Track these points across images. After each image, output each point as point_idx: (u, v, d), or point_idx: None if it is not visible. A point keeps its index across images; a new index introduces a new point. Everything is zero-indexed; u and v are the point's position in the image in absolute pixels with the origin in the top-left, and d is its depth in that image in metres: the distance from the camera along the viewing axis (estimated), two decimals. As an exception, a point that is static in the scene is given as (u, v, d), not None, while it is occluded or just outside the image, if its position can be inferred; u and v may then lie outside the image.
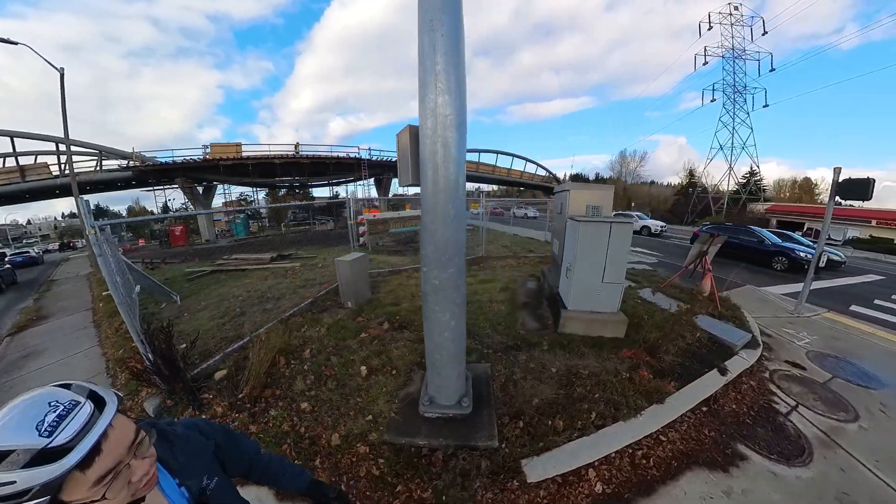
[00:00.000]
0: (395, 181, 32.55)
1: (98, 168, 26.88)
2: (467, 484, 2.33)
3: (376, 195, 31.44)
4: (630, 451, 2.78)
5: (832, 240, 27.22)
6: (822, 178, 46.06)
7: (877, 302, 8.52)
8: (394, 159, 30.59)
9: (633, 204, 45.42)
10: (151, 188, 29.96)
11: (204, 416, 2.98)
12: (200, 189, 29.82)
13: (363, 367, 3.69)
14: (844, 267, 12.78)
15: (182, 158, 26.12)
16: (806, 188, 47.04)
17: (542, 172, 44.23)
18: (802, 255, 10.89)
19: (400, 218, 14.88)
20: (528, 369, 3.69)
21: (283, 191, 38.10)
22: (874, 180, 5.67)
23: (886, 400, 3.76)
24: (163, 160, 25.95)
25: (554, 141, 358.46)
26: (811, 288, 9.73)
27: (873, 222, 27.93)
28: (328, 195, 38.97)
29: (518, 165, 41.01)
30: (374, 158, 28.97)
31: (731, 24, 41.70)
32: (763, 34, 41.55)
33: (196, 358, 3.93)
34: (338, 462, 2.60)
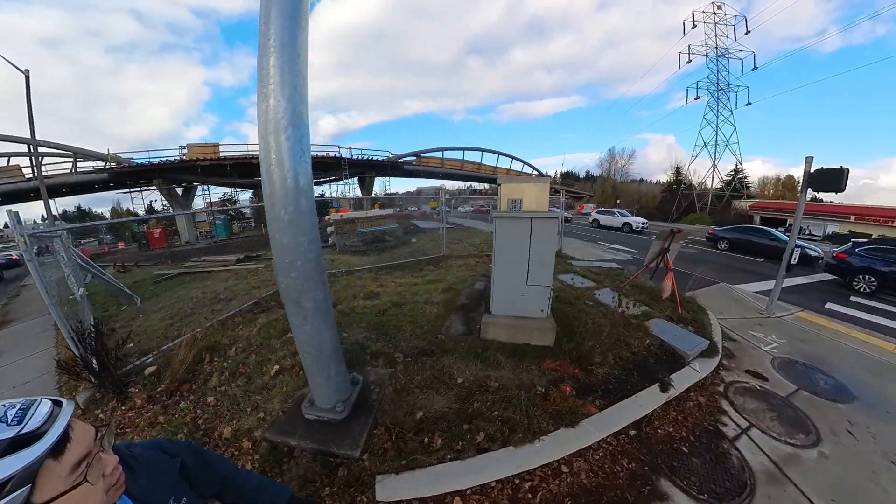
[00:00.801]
0: (378, 180, 31.97)
1: (73, 170, 26.06)
2: (318, 490, 2.24)
3: (369, 194, 30.74)
4: (516, 481, 2.35)
5: (813, 235, 27.52)
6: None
7: (853, 299, 8.11)
8: (375, 158, 29.99)
9: (618, 201, 45.44)
10: (128, 190, 29.12)
11: (124, 408, 3.17)
12: (180, 190, 29.18)
13: (276, 366, 3.66)
14: (822, 262, 12.48)
15: (159, 160, 25.38)
16: (789, 185, 47.62)
17: (528, 170, 43.82)
18: (811, 252, 11.66)
19: (367, 217, 14.30)
20: (433, 378, 3.34)
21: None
22: (847, 170, 5.18)
23: (856, 416, 3.24)
24: (140, 161, 25.17)
25: (545, 140, 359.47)
26: (787, 285, 9.46)
27: (852, 218, 28.30)
28: (325, 194, 38.27)
29: (504, 163, 40.55)
30: (355, 157, 28.23)
31: (715, 24, 41.83)
32: (746, 33, 41.68)
33: (134, 355, 4.17)
34: (226, 453, 2.61)
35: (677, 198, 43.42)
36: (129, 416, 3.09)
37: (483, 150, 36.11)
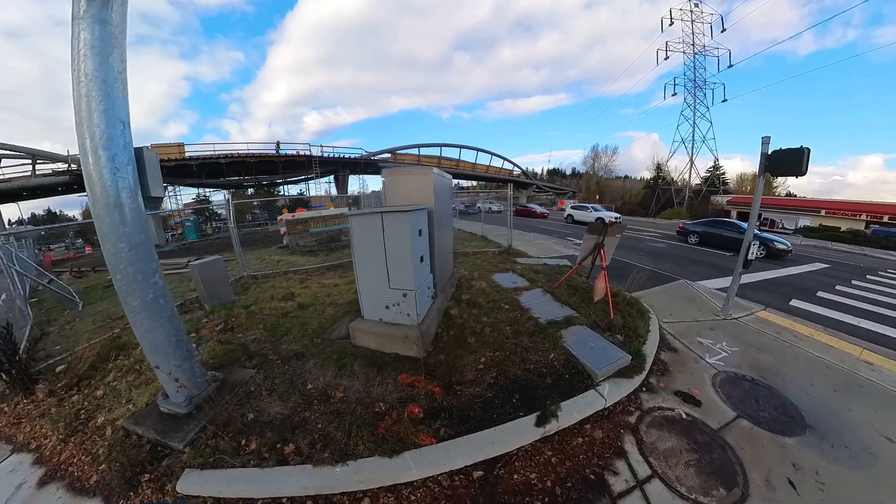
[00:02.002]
0: (352, 178, 30.79)
1: (33, 173, 24.61)
2: (138, 475, 2.31)
3: (344, 192, 29.58)
4: (308, 502, 2.13)
5: (785, 228, 27.44)
6: None
7: (820, 294, 7.45)
8: (348, 156, 28.89)
9: (597, 196, 45.24)
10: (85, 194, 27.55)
11: (26, 401, 3.30)
12: (147, 191, 27.81)
13: (161, 363, 3.66)
14: (791, 256, 11.93)
15: None
16: (766, 182, 47.77)
17: (508, 167, 43.19)
18: (779, 245, 11.63)
19: (321, 217, 13.40)
20: (287, 382, 3.21)
21: (250, 190, 36.47)
22: (807, 150, 4.43)
23: (804, 457, 2.45)
24: None
25: (532, 137, 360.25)
26: (752, 281, 8.84)
27: (822, 212, 28.33)
28: (320, 192, 36.91)
29: (484, 159, 39.73)
30: (327, 156, 27.09)
31: (692, 21, 41.69)
32: (722, 31, 41.62)
33: (56, 353, 4.22)
34: (89, 440, 2.69)
35: (656, 193, 43.31)
36: (28, 409, 3.19)
37: (461, 147, 35.28)
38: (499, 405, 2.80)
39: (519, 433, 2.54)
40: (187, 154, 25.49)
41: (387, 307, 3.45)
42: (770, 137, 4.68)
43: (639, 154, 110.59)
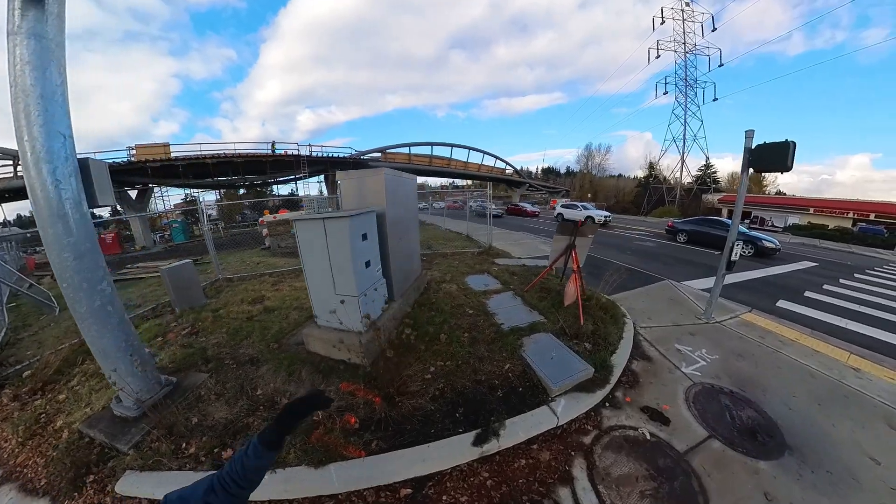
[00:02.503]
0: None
1: (14, 174, 23.98)
2: (83, 475, 2.35)
3: (334, 193, 29.13)
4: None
5: (775, 226, 27.50)
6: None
7: (808, 294, 7.22)
8: (337, 155, 28.42)
9: (588, 195, 45.21)
10: None
11: None
12: (133, 193, 27.32)
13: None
14: (779, 254, 11.75)
15: (105, 162, 23.78)
16: (755, 180, 48.55)
17: (500, 165, 42.93)
18: (767, 244, 11.29)
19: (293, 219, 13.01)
20: (238, 387, 3.18)
21: (242, 190, 35.86)
22: (793, 143, 4.16)
23: (779, 486, 2.16)
24: None
25: (527, 136, 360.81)
26: (739, 280, 8.61)
27: (811, 210, 28.44)
28: (313, 192, 36.26)
29: (476, 159, 39.40)
30: (315, 155, 26.58)
31: (683, 20, 41.68)
32: (713, 30, 41.65)
33: (28, 358, 4.18)
34: (45, 442, 2.72)
35: (648, 192, 43.32)
36: (-8, 413, 3.10)
37: (452, 146, 34.84)
38: (439, 419, 2.62)
39: (454, 451, 2.34)
40: (173, 154, 24.90)
41: (332, 312, 3.34)
42: (754, 131, 4.42)
43: (633, 153, 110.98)
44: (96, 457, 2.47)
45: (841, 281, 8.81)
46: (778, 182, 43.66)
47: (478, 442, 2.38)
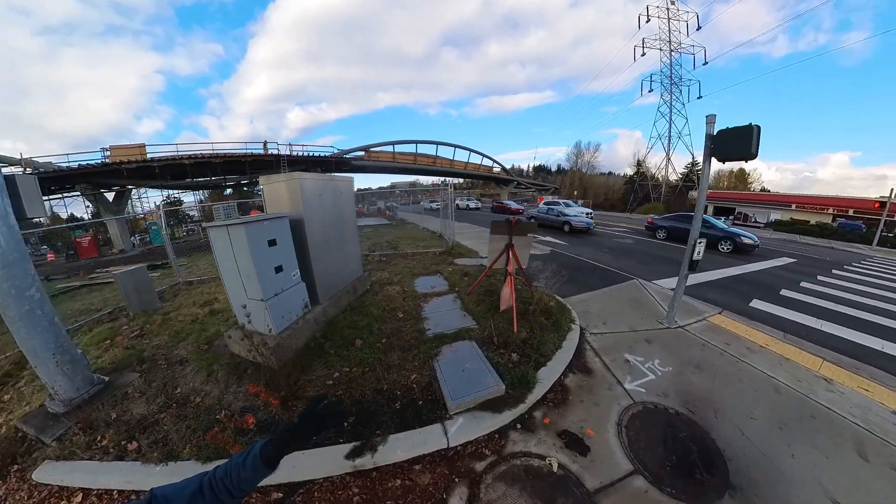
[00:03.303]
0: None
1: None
2: (9, 465, 2.50)
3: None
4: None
5: (757, 222, 27.45)
6: (755, 168, 49.35)
7: (784, 293, 6.79)
8: (318, 154, 27.70)
9: (575, 193, 45.11)
10: (48, 198, 26.25)
11: None
12: (110, 195, 26.46)
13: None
14: (758, 250, 11.37)
15: (78, 164, 22.72)
16: (740, 177, 49.50)
17: (488, 163, 42.43)
18: (745, 240, 10.78)
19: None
20: (162, 385, 3.28)
21: (229, 190, 35.00)
22: (757, 127, 3.66)
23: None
24: (61, 165, 22.40)
25: (519, 134, 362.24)
26: (713, 279, 8.15)
27: (793, 206, 28.53)
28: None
29: (462, 156, 38.80)
30: (296, 155, 25.83)
31: (669, 19, 41.60)
32: (697, 29, 41.61)
33: None
34: None
35: (634, 189, 43.23)
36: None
37: (438, 144, 34.19)
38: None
39: (327, 462, 2.27)
40: (149, 155, 24.11)
41: (247, 315, 3.29)
42: (715, 116, 3.92)
43: (622, 151, 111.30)
44: (24, 449, 2.64)
45: (819, 278, 8.43)
46: (762, 179, 43.95)
47: (352, 455, 2.28)
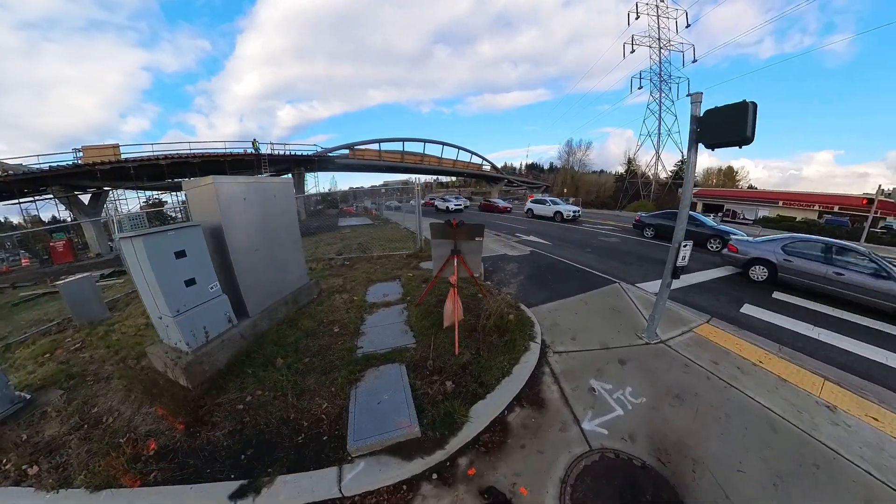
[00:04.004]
0: (310, 175, 28.43)
1: None
2: None
3: (301, 192, 27.42)
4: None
5: (745, 219, 27.34)
6: (742, 166, 50.02)
7: (776, 296, 6.26)
8: (300, 153, 26.82)
9: (565, 191, 44.93)
10: (18, 201, 25.34)
11: None
12: (86, 198, 25.52)
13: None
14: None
15: (49, 165, 21.67)
16: (729, 175, 49.81)
17: (477, 160, 41.80)
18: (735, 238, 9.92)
19: None
20: (81, 404, 3.09)
21: None
22: (753, 105, 3.00)
23: None
24: (32, 167, 21.41)
25: (511, 133, 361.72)
26: (702, 280, 7.49)
27: (780, 203, 28.61)
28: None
29: (450, 154, 38.08)
30: (277, 154, 24.93)
31: (658, 16, 41.37)
32: (686, 27, 41.47)
33: None
34: None
35: (624, 186, 43.02)
36: None
37: (425, 141, 33.36)
38: (223, 458, 2.35)
39: (209, 501, 2.08)
40: (123, 156, 23.18)
41: (165, 329, 3.27)
42: (702, 94, 3.26)
43: (614, 149, 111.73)
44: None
45: (811, 277, 7.94)
46: (750, 177, 44.19)
47: (234, 497, 2.06)
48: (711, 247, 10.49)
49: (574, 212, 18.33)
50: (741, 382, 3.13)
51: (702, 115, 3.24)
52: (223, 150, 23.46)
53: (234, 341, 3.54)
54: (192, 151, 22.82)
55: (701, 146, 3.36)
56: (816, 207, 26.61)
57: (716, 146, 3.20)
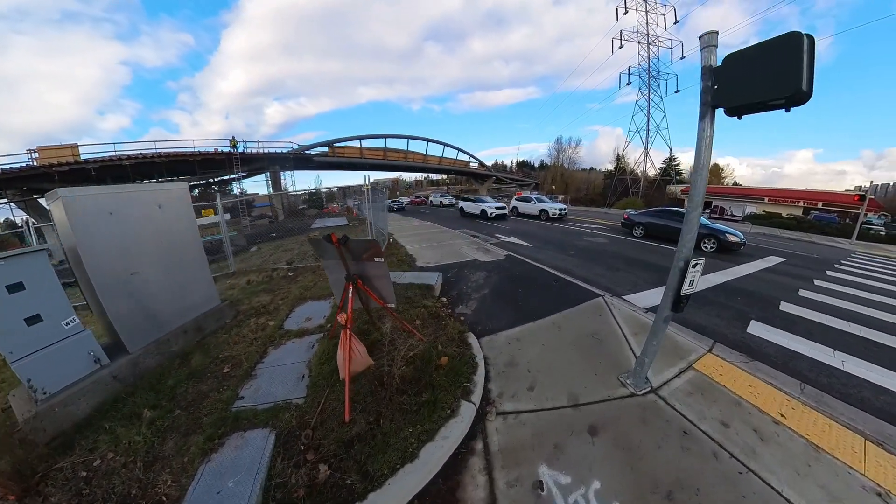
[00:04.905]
0: (287, 174, 26.98)
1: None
2: None
3: (278, 190, 26.02)
4: None
5: (734, 216, 26.99)
6: (728, 164, 49.43)
7: (784, 308, 5.35)
8: (274, 151, 25.47)
9: (554, 188, 44.42)
10: None
11: None
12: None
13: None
14: (744, 248, 10.04)
15: (3, 168, 20.13)
16: (715, 172, 50.08)
17: (464, 158, 40.77)
18: (731, 238, 9.44)
19: (213, 224, 10.84)
20: None
21: (196, 191, 32.75)
22: (811, 39, 1.62)
23: None
24: None
25: (502, 130, 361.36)
26: (698, 289, 6.64)
27: (766, 199, 28.62)
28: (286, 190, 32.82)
29: (435, 151, 36.95)
30: (251, 151, 23.57)
31: (647, 11, 40.82)
32: (675, 22, 41.02)
33: None
34: None
35: (613, 183, 42.54)
36: None
37: (409, 138, 32.07)
38: None
39: None
40: (83, 156, 21.67)
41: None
42: (717, 33, 2.07)
43: (604, 147, 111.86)
44: None
45: (816, 283, 7.09)
46: (735, 174, 44.33)
47: None
48: (705, 247, 9.62)
49: (560, 210, 17.38)
50: (762, 461, 2.14)
51: (721, 64, 2.02)
52: (192, 150, 22.01)
53: (104, 385, 3.02)
54: (158, 151, 21.36)
55: (719, 112, 2.19)
56: (801, 204, 26.69)
57: (744, 111, 2.02)
